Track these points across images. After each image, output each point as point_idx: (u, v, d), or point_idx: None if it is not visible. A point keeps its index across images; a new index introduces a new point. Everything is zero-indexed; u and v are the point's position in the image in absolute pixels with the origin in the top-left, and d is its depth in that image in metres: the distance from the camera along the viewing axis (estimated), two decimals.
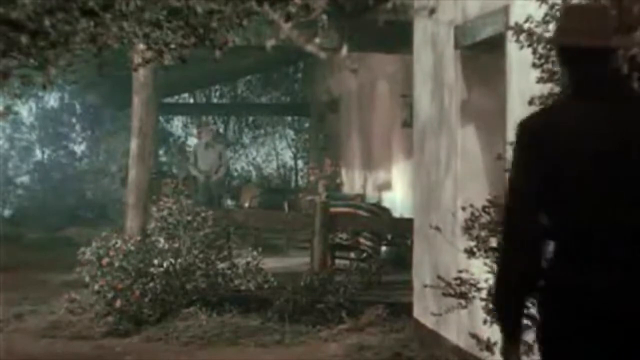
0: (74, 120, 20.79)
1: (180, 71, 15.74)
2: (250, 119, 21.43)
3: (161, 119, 19.19)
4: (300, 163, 20.65)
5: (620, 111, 2.99)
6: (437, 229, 5.17)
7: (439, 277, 4.84)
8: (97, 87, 15.19)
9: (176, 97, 20.54)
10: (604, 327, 2.87)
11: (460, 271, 4.78)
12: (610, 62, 3.05)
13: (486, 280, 4.69)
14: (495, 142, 6.49)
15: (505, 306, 3.03)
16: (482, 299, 4.65)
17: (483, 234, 4.69)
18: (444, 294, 4.72)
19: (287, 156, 21.24)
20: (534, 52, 4.73)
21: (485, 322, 4.58)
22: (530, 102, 4.70)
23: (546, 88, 4.70)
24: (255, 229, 11.91)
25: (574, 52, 3.03)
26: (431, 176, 7.31)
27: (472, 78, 6.67)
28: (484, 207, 4.74)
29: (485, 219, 4.74)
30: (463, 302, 4.70)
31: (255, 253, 8.87)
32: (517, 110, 5.54)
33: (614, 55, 3.07)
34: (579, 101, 3.02)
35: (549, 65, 4.67)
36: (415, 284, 7.80)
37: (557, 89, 4.60)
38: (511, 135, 5.68)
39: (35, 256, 12.92)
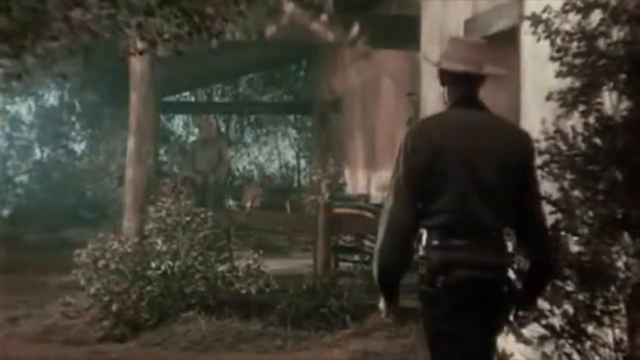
0: (73, 119, 20.47)
1: (181, 69, 15.64)
2: (252, 117, 21.19)
3: (162, 117, 19.20)
4: (302, 162, 20.46)
5: (486, 120, 3.79)
6: None
7: None
8: (96, 84, 14.99)
9: (177, 95, 20.39)
10: (468, 293, 3.61)
11: None
12: (479, 83, 3.82)
13: None
14: None
15: (386, 280, 3.83)
16: None
17: None
18: None
19: (290, 155, 21.07)
20: (552, 44, 4.47)
21: None
22: (548, 98, 4.44)
23: (565, 82, 4.44)
24: (256, 230, 11.67)
25: (453, 75, 3.81)
26: None
27: None
28: None
29: None
30: None
31: (256, 255, 8.65)
32: (533, 106, 5.28)
33: (483, 78, 3.83)
34: (455, 112, 3.78)
35: (568, 58, 4.42)
36: None
37: (577, 83, 4.35)
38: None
39: (33, 257, 12.66)
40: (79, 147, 20.44)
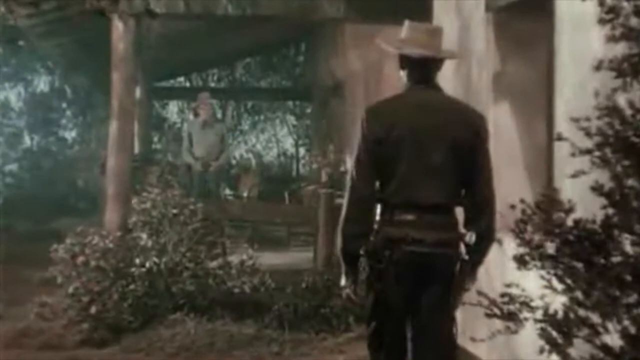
0: (64, 105, 20.39)
1: (176, 53, 15.18)
2: (250, 104, 20.96)
3: (156, 103, 19.02)
4: (302, 150, 20.23)
5: (438, 101, 4.05)
6: None
7: (479, 294, 3.84)
8: (83, 67, 14.50)
9: (171, 80, 20.12)
10: (413, 268, 3.87)
11: (508, 285, 3.76)
12: (437, 66, 4.08)
13: (542, 297, 3.66)
14: (536, 122, 5.59)
15: (349, 250, 4.00)
16: (537, 321, 3.62)
17: (537, 237, 3.66)
18: (488, 315, 3.72)
19: (288, 143, 20.92)
20: (601, 3, 3.72)
21: (542, 350, 3.57)
22: (598, 67, 3.68)
23: (616, 49, 3.69)
24: (252, 223, 11.16)
25: (412, 59, 4.01)
26: None
27: (507, 46, 5.72)
28: (537, 204, 3.70)
29: (538, 218, 3.71)
30: (512, 325, 3.68)
31: (250, 251, 8.28)
32: (571, 80, 4.55)
33: (440, 62, 4.09)
34: (410, 93, 4.04)
35: (620, 20, 3.67)
36: None
37: (636, 49, 3.60)
38: (561, 112, 4.69)
39: (21, 249, 12.22)
40: (70, 135, 20.53)
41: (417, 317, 3.97)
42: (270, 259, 9.01)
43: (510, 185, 5.61)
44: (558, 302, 3.66)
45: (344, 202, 4.01)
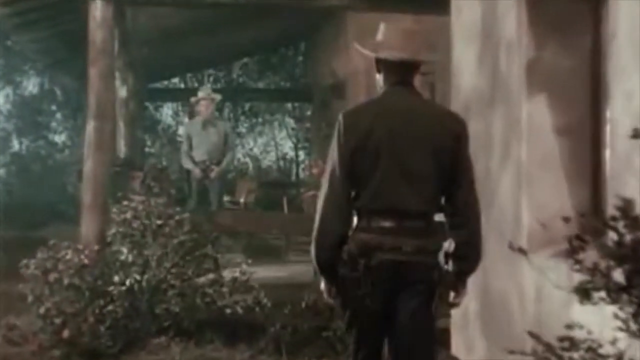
0: (54, 107, 20.28)
1: (170, 53, 14.65)
2: (247, 105, 20.82)
3: (150, 106, 18.74)
4: (301, 154, 20.10)
5: (417, 105, 4.02)
6: (521, 251, 3.32)
7: (531, 335, 3.01)
8: (67, 65, 13.99)
9: (165, 82, 20.11)
10: (390, 275, 3.85)
11: (569, 326, 2.94)
12: (415, 69, 4.03)
13: (614, 342, 2.84)
14: (578, 118, 4.81)
15: (323, 260, 3.96)
16: None
17: (603, 264, 2.86)
18: None
19: (287, 147, 20.79)
20: None
21: None
22: None
23: None
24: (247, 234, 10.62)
25: (388, 63, 4.00)
26: (479, 166, 5.56)
27: (543, 30, 4.98)
28: (605, 220, 2.89)
29: (605, 237, 2.91)
30: None
31: (244, 266, 7.55)
32: (632, 64, 3.73)
33: (418, 65, 4.04)
34: (387, 98, 4.03)
35: None
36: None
37: None
38: (619, 105, 3.89)
39: (8, 258, 11.60)
40: (60, 138, 20.56)
41: (394, 329, 3.92)
42: (266, 272, 8.45)
43: (546, 193, 4.90)
44: (635, 348, 2.85)
45: (318, 210, 3.96)
